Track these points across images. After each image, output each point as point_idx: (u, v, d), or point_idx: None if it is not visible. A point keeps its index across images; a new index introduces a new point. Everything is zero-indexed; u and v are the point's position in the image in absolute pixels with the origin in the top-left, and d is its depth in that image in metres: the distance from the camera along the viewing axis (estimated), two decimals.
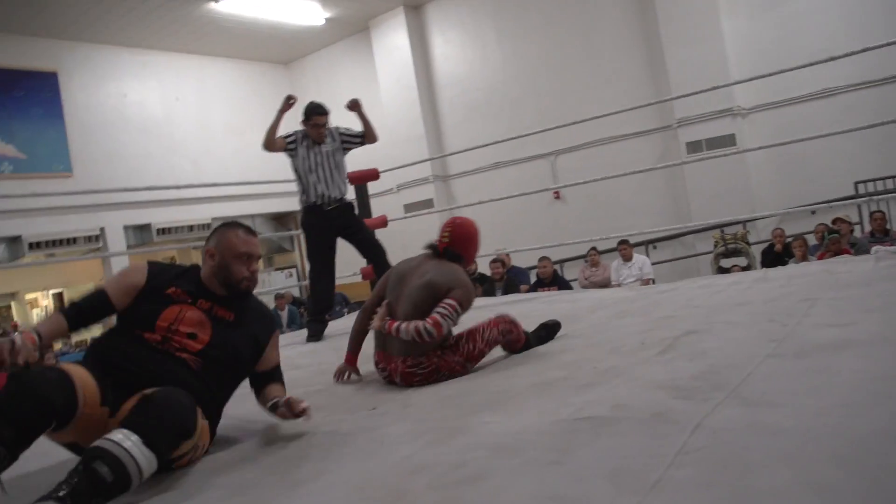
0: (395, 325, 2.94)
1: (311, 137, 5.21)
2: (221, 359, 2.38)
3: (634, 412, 1.89)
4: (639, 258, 9.10)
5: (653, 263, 9.36)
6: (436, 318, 2.88)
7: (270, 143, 5.27)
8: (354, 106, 5.39)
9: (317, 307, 5.28)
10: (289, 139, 5.27)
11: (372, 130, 5.39)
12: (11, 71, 11.25)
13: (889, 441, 1.42)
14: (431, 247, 3.31)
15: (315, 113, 5.19)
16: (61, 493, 1.72)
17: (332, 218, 5.19)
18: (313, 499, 1.69)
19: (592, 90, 11.19)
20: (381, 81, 13.60)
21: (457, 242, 3.24)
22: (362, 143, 5.40)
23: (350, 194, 5.53)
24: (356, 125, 5.41)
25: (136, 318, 2.36)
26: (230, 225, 2.59)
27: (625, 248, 9.01)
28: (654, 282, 8.59)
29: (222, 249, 2.50)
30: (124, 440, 1.86)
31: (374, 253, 5.40)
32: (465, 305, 3.00)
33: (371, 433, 2.23)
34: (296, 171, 5.27)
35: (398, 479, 1.70)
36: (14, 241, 11.21)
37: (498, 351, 3.18)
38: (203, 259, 2.55)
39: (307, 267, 5.36)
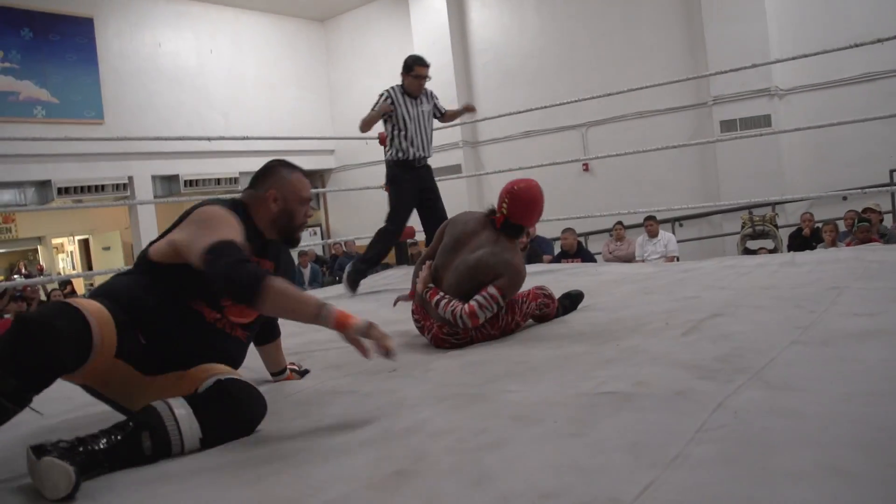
0: (436, 297, 2.92)
1: (409, 91, 5.25)
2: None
3: (656, 389, 1.90)
4: (664, 235, 9.05)
5: (678, 241, 9.30)
6: (473, 307, 2.83)
7: (368, 127, 5.30)
8: (471, 109, 5.78)
9: (373, 257, 5.26)
10: (387, 99, 5.26)
11: (455, 118, 5.71)
12: (48, 14, 11.28)
13: None
14: (491, 213, 3.12)
15: (418, 63, 5.22)
16: (99, 447, 1.70)
17: (421, 176, 5.31)
18: (333, 457, 1.71)
19: (629, 62, 11.07)
20: (416, 43, 13.49)
21: (516, 213, 3.03)
22: (440, 119, 5.59)
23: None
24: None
25: (200, 289, 2.08)
26: (287, 165, 2.35)
27: (651, 224, 8.96)
28: (678, 259, 8.55)
29: (287, 193, 2.27)
30: (184, 424, 1.82)
31: (437, 225, 5.38)
32: (508, 294, 2.92)
33: (391, 395, 2.25)
34: (394, 125, 5.26)
35: (418, 442, 1.72)
36: (43, 185, 11.34)
37: None
38: (256, 202, 2.28)
39: (385, 217, 5.34)
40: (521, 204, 3.03)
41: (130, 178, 12.14)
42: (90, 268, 17.78)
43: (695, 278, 4.18)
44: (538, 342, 2.84)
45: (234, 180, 13.49)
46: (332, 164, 15.29)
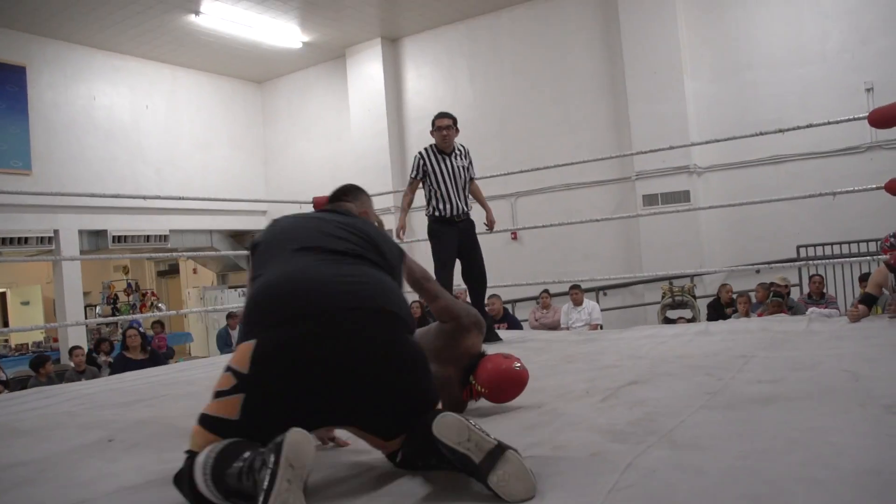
0: None
1: (439, 146, 5.31)
2: None
3: (573, 451, 2.02)
4: (589, 303, 9.29)
5: (602, 310, 9.58)
6: None
7: (404, 214, 5.52)
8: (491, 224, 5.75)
9: None
10: (415, 173, 5.40)
11: (483, 203, 5.76)
12: None
13: (798, 483, 1.58)
14: (465, 382, 2.68)
15: (437, 116, 5.32)
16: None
17: (460, 230, 5.34)
18: None
19: (557, 136, 11.50)
20: (352, 109, 13.75)
21: (493, 394, 2.70)
22: (471, 180, 5.56)
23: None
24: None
25: None
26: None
27: (576, 293, 9.19)
28: (602, 327, 8.78)
29: (373, 219, 2.53)
30: None
31: (475, 279, 5.39)
32: None
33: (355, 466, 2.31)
34: (429, 185, 5.34)
35: None
36: None
37: None
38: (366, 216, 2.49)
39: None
40: (503, 393, 2.72)
41: (56, 232, 11.88)
42: (6, 324, 17.15)
43: (615, 347, 4.35)
44: (467, 409, 2.83)
45: (165, 238, 13.33)
46: (262, 225, 15.15)
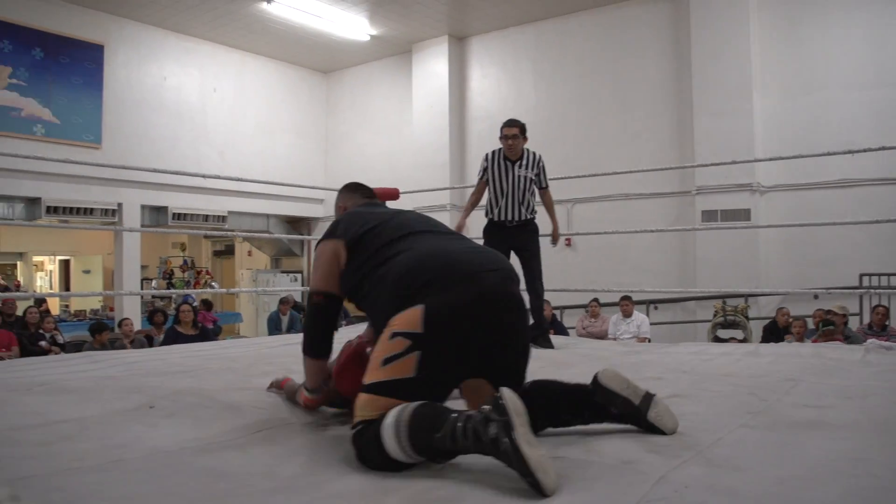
0: None
1: (506, 154, 5.33)
2: None
3: (606, 458, 1.98)
4: (638, 316, 9.18)
5: (651, 323, 9.44)
6: None
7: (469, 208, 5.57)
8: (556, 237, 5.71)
9: None
10: (481, 174, 5.47)
11: (550, 211, 5.65)
12: (61, 37, 11.48)
13: None
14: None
15: (504, 125, 5.30)
16: None
17: (512, 234, 5.32)
18: (294, 497, 1.76)
19: (618, 144, 11.38)
20: (414, 104, 13.80)
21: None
22: (540, 189, 5.52)
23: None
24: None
25: None
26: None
27: (626, 304, 9.09)
28: (649, 341, 8.65)
29: None
30: None
31: (528, 286, 5.25)
32: None
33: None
34: (489, 188, 5.39)
35: (376, 493, 1.77)
36: (33, 202, 11.37)
37: None
38: None
39: None
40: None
41: (120, 205, 12.20)
42: (68, 289, 17.70)
43: (660, 360, 4.25)
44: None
45: (223, 218, 13.58)
46: (319, 213, 15.42)
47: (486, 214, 5.42)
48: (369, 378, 2.05)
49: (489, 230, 5.42)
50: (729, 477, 1.80)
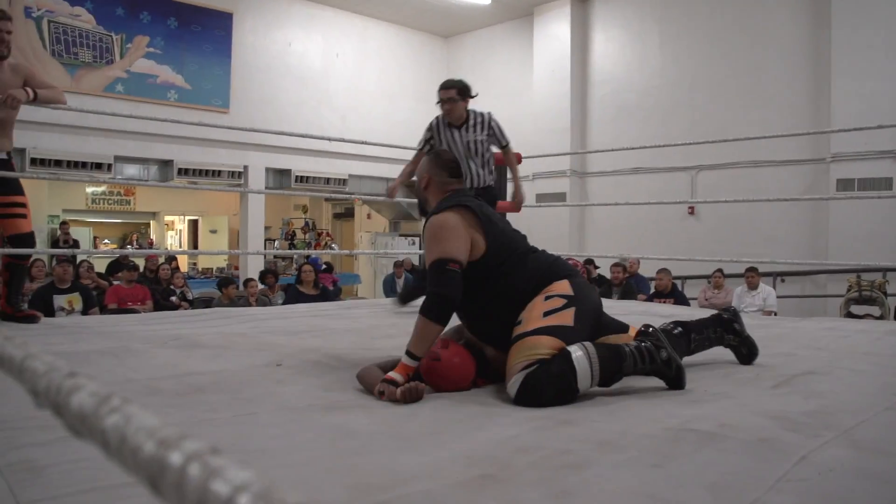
0: None
1: (449, 120, 4.84)
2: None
3: (741, 433, 1.92)
4: (764, 288, 8.88)
5: (778, 297, 9.10)
6: None
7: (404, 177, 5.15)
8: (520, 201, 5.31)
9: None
10: (420, 145, 5.10)
11: (515, 177, 5.31)
12: (193, 7, 12.03)
13: None
14: None
15: (439, 87, 4.80)
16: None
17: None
18: (420, 456, 1.78)
19: (747, 108, 10.93)
20: (535, 69, 13.67)
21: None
22: (501, 149, 5.07)
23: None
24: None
25: None
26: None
27: (752, 276, 8.80)
28: (776, 315, 8.37)
29: None
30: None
31: None
32: None
33: (481, 407, 2.34)
34: None
35: (504, 454, 1.78)
36: (165, 164, 12.02)
37: None
38: None
39: None
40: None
41: (245, 168, 12.71)
42: (195, 247, 18.64)
43: (791, 336, 4.06)
44: (626, 379, 2.68)
45: (344, 181, 13.91)
46: None
47: None
48: (535, 325, 2.44)
49: None
50: (877, 462, 1.70)
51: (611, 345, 2.48)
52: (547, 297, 2.54)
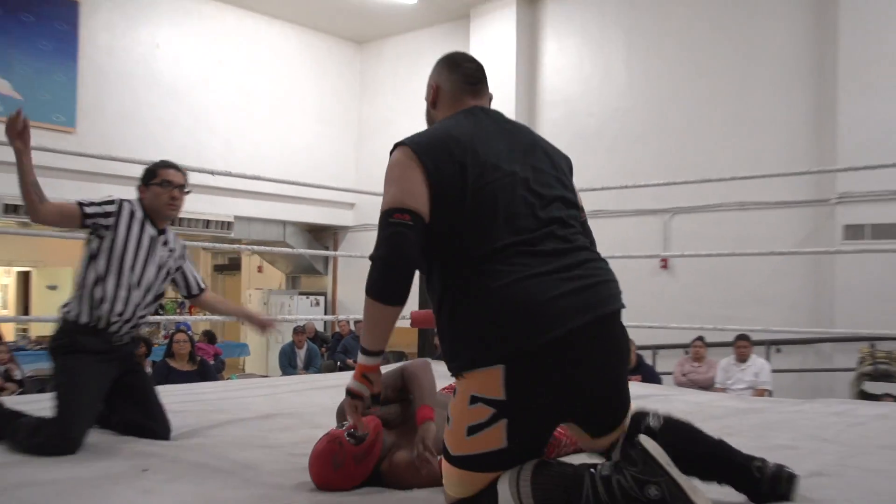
0: None
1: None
2: None
3: None
4: (756, 361, 8.98)
5: (773, 371, 9.20)
6: None
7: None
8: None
9: None
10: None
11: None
12: None
13: None
14: None
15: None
16: None
17: None
18: None
19: (733, 138, 11.17)
20: None
21: None
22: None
23: None
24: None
25: None
26: None
27: (743, 346, 8.90)
28: (770, 394, 8.50)
29: None
30: None
31: None
32: None
33: None
34: None
35: None
36: None
37: None
38: None
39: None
40: None
41: None
42: (27, 310, 17.93)
43: (791, 422, 4.16)
44: None
45: (228, 225, 13.65)
46: (349, 222, 15.50)
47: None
48: (457, 449, 2.24)
49: None
50: None
51: (566, 468, 2.17)
52: (472, 401, 2.19)
